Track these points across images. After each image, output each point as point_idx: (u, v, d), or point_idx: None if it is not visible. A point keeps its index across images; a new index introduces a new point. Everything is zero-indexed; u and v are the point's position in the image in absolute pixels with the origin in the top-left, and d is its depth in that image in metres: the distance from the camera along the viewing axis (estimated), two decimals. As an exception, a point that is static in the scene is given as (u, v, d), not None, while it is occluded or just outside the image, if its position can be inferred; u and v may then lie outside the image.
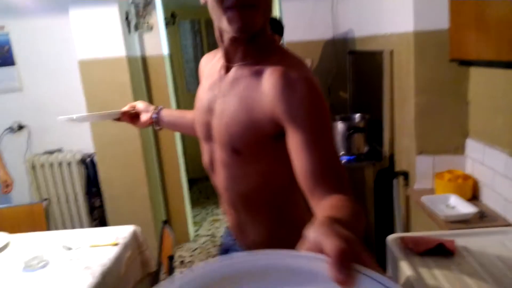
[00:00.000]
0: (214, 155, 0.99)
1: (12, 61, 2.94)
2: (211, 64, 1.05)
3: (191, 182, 4.59)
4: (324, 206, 0.73)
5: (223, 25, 0.85)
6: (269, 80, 0.84)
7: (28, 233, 1.85)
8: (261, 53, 0.90)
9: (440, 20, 1.78)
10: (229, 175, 0.96)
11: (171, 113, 1.34)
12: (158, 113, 1.31)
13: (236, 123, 0.88)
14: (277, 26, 2.39)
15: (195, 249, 3.38)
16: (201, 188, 4.89)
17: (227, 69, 0.95)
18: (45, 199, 2.52)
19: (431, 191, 1.95)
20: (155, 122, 1.31)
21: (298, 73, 0.83)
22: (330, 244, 0.43)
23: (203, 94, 1.01)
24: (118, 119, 1.33)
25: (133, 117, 1.34)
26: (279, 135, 0.84)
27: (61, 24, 2.84)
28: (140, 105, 1.35)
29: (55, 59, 2.98)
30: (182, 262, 3.18)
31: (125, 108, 1.34)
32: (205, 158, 1.04)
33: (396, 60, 2.11)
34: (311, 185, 0.78)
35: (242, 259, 0.46)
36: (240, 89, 0.90)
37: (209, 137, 0.99)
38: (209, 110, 0.97)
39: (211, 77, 1.00)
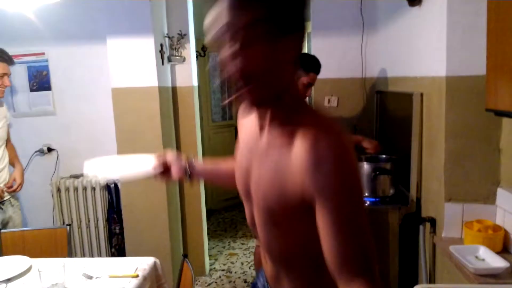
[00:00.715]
0: (254, 213, 0.99)
1: (49, 86, 3.06)
2: (249, 119, 1.02)
3: (209, 213, 4.55)
4: None
5: None
6: (300, 150, 0.79)
7: (50, 259, 1.86)
8: (289, 115, 0.86)
9: (474, 66, 1.77)
10: (268, 235, 0.96)
11: (203, 163, 1.29)
12: (190, 164, 1.24)
13: (271, 193, 0.86)
14: (314, 64, 2.42)
15: (210, 284, 3.32)
16: (219, 220, 4.85)
17: (261, 129, 0.93)
18: (68, 224, 2.55)
19: (459, 241, 1.88)
20: (188, 174, 1.24)
21: (329, 141, 0.76)
22: None
23: (241, 156, 1.00)
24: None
25: (163, 171, 1.26)
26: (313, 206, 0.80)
27: (98, 52, 2.95)
28: (169, 156, 1.27)
29: (89, 86, 3.09)
30: (196, 294, 3.13)
31: (155, 162, 1.26)
32: (247, 213, 1.04)
33: (426, 103, 2.09)
34: (337, 268, 0.76)
35: None
36: (273, 157, 0.86)
37: (248, 197, 0.99)
38: (247, 172, 0.96)
39: (247, 137, 0.99)
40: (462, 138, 1.86)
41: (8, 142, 2.83)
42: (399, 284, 2.34)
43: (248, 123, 1.01)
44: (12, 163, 2.74)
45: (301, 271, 0.97)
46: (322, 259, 0.91)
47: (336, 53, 3.01)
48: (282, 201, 0.85)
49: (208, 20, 0.82)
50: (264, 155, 0.89)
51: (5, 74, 2.57)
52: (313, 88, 2.68)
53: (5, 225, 2.63)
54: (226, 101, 0.88)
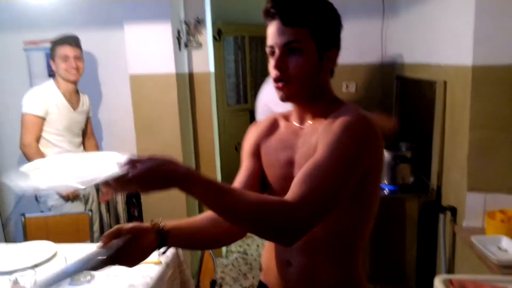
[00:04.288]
0: None
1: (66, 72, 3.07)
2: (267, 129, 1.14)
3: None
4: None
5: None
6: (334, 117, 0.97)
7: (74, 244, 1.90)
8: (328, 110, 1.02)
9: (504, 54, 1.73)
10: None
11: (178, 225, 1.00)
12: (162, 230, 0.96)
13: None
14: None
15: (226, 265, 3.38)
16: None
17: (301, 123, 1.07)
18: (90, 210, 2.59)
19: (481, 231, 1.87)
20: (162, 243, 0.96)
21: (360, 112, 0.96)
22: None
23: (276, 156, 1.08)
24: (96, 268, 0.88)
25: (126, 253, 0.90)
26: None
27: (116, 38, 2.94)
28: (124, 229, 0.92)
29: (106, 72, 3.09)
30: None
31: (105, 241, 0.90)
32: None
33: (450, 92, 2.06)
34: (298, 185, 0.88)
35: None
36: (316, 135, 0.98)
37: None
38: (289, 163, 1.04)
39: (282, 140, 1.09)
40: (487, 128, 1.83)
41: (88, 137, 2.82)
42: (416, 273, 2.34)
43: (280, 133, 1.12)
44: None
45: (337, 255, 1.04)
46: (355, 241, 1.05)
47: (355, 38, 2.94)
48: None
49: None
50: (307, 140, 1.01)
51: (77, 57, 2.55)
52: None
53: (86, 200, 2.70)
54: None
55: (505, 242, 1.71)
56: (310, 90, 1.02)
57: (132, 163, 0.78)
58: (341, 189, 0.90)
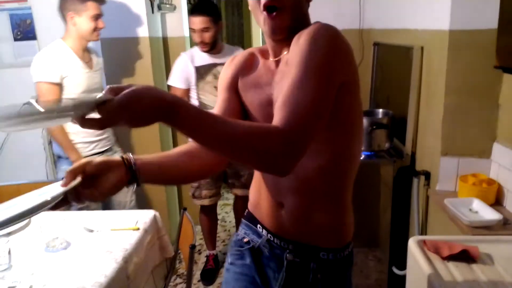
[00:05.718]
0: None
1: (34, 35, 2.92)
2: (243, 64, 1.11)
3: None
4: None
5: (261, 27, 1.00)
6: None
7: (49, 212, 1.85)
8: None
9: (482, 19, 1.72)
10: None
11: (150, 159, 0.95)
12: (133, 165, 0.90)
13: None
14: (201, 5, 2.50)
15: (205, 233, 3.40)
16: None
17: (277, 61, 1.03)
18: (63, 178, 2.51)
19: (453, 194, 1.93)
20: (135, 178, 0.90)
21: (325, 25, 0.92)
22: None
23: (255, 95, 1.06)
24: (58, 205, 0.84)
25: (87, 186, 0.84)
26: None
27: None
28: (91, 165, 0.85)
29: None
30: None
31: (66, 181, 0.84)
32: None
33: (427, 58, 2.06)
34: (283, 107, 0.85)
35: None
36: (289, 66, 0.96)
37: None
38: (269, 102, 1.01)
39: (260, 78, 1.06)
40: (462, 94, 1.86)
41: None
42: (390, 235, 2.41)
43: (255, 72, 1.08)
44: None
45: (334, 194, 1.05)
46: (343, 179, 1.06)
47: (333, 3, 2.91)
48: None
49: None
50: (283, 74, 0.98)
51: (99, 15, 2.31)
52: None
53: None
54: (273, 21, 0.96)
55: (476, 204, 1.77)
56: (298, 19, 0.99)
57: (113, 90, 0.72)
58: (324, 104, 0.87)
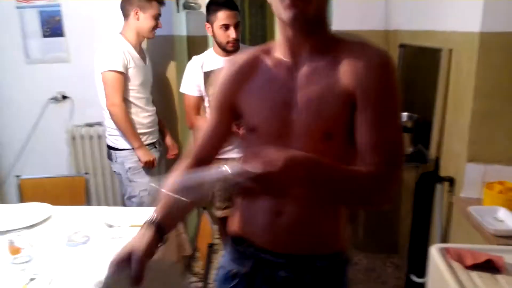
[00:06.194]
0: (293, 144, 0.97)
1: (62, 32, 2.98)
2: (247, 67, 1.06)
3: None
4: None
5: (280, 15, 0.92)
6: (351, 57, 0.94)
7: (70, 207, 1.89)
8: (328, 44, 0.97)
9: (511, 21, 1.67)
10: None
11: (165, 209, 0.98)
12: (159, 226, 0.95)
13: (328, 108, 0.95)
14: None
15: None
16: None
17: (296, 63, 0.98)
18: (86, 173, 2.56)
19: (478, 202, 1.87)
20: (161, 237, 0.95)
21: (381, 51, 0.95)
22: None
23: (265, 98, 1.01)
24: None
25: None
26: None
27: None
28: (139, 252, 0.89)
29: (104, 33, 2.99)
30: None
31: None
32: None
33: (455, 60, 2.01)
34: (377, 156, 0.91)
35: None
36: (322, 76, 0.96)
37: (285, 133, 0.97)
38: (285, 105, 0.98)
39: (272, 80, 1.01)
40: (491, 98, 1.79)
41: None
42: (410, 242, 2.36)
43: (247, 72, 1.04)
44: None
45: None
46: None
47: (358, 4, 2.85)
48: (338, 113, 0.95)
49: None
50: (309, 80, 0.97)
51: (159, 15, 2.44)
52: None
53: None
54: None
55: (502, 213, 1.71)
56: (320, 15, 0.96)
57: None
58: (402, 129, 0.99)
